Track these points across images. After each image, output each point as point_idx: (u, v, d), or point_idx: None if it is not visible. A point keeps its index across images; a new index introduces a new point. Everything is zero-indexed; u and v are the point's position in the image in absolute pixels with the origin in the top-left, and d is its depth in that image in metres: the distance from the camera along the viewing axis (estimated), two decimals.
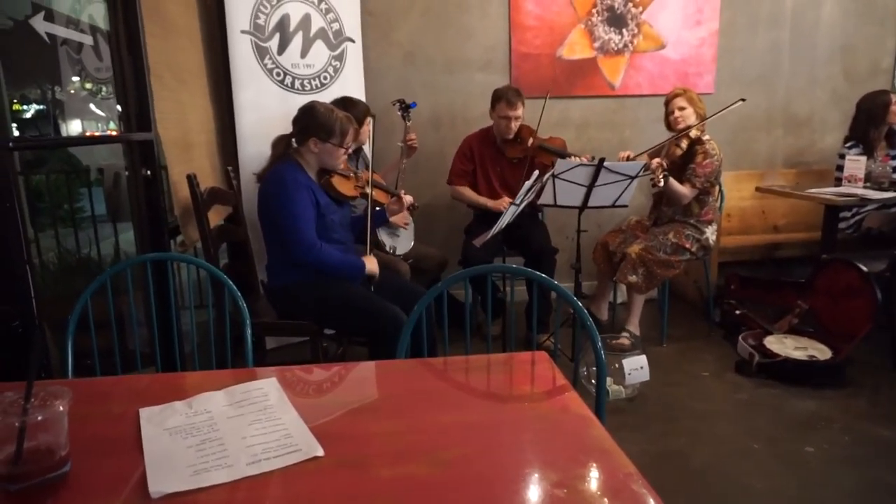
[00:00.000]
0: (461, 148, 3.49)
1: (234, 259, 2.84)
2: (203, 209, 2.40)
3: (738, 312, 3.43)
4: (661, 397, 2.80)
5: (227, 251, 2.89)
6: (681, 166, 3.20)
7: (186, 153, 2.60)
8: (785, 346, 3.03)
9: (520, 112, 3.26)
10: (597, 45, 3.92)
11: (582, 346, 2.92)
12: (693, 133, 3.15)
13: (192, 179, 2.38)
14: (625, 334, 3.20)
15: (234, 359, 1.82)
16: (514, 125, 3.28)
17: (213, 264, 2.13)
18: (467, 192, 3.42)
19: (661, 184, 3.01)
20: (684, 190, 3.14)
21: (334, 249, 2.37)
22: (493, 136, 3.42)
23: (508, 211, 2.83)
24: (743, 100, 3.17)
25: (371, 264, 2.46)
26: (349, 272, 2.41)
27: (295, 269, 2.40)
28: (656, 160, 3.07)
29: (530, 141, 3.31)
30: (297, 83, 3.18)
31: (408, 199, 2.75)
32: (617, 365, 2.77)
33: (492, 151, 3.44)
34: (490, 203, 3.33)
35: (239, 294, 1.70)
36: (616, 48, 3.94)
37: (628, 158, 3.14)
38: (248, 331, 1.64)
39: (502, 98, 3.25)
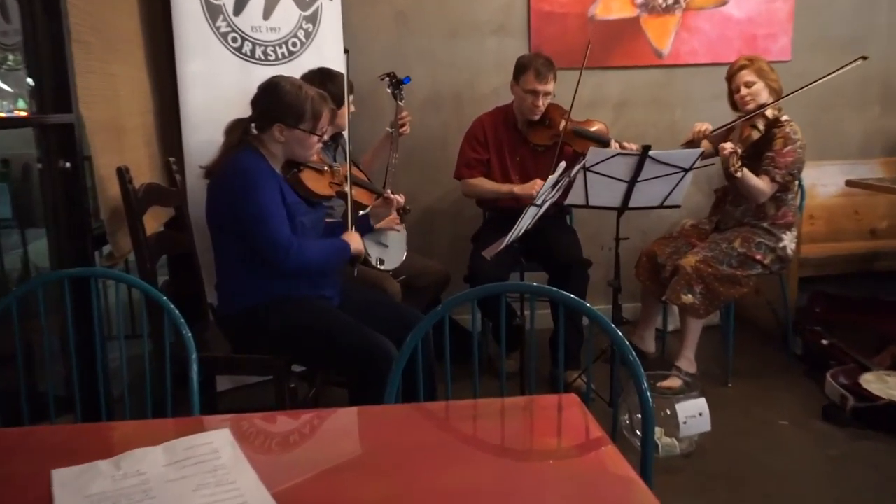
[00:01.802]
0: (471, 131, 3.49)
1: (177, 276, 2.84)
2: (137, 211, 2.40)
3: (825, 342, 3.42)
4: (725, 453, 2.78)
5: (167, 266, 2.89)
6: (753, 155, 3.20)
7: (117, 140, 2.61)
8: (888, 385, 3.01)
9: (551, 87, 3.27)
10: (640, 0, 3.94)
11: (622, 386, 2.91)
12: (769, 113, 3.15)
13: (123, 174, 2.39)
14: (678, 371, 3.19)
15: (175, 404, 1.81)
16: (543, 103, 3.28)
17: (149, 282, 2.12)
18: (484, 183, 3.41)
19: (739, 174, 2.99)
20: (762, 185, 3.13)
21: (312, 242, 2.41)
22: (513, 116, 3.43)
23: (528, 213, 2.83)
24: (864, 57, 3.10)
25: (355, 242, 2.53)
26: (336, 261, 2.49)
27: (254, 288, 2.40)
28: (729, 144, 3.06)
29: (562, 124, 3.31)
30: (258, 51, 3.20)
31: (397, 199, 2.75)
32: (668, 411, 2.76)
33: (511, 136, 3.44)
34: (517, 189, 3.30)
35: (182, 321, 1.69)
36: (664, 5, 3.96)
37: (703, 136, 3.16)
38: (195, 368, 1.64)
39: (529, 67, 3.25)
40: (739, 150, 3.07)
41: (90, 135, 2.40)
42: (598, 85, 3.98)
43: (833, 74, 3.18)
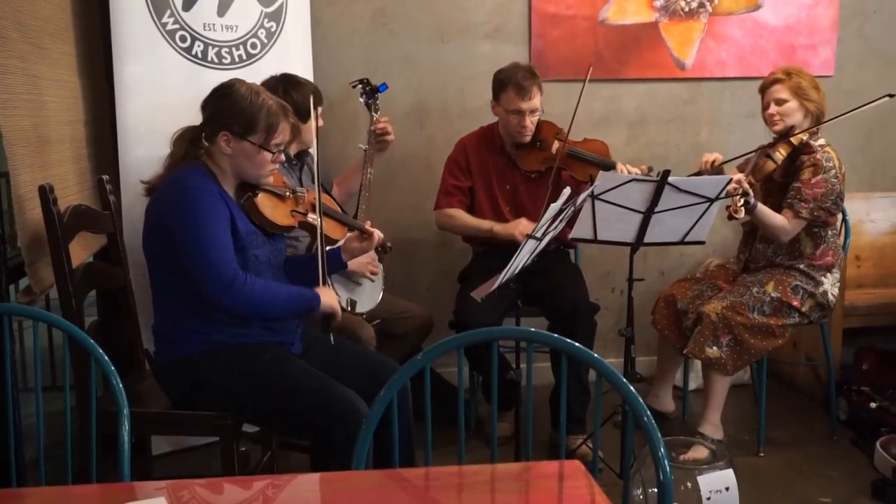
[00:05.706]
0: (452, 156, 3.53)
1: (108, 316, 2.82)
2: (62, 238, 2.40)
3: (874, 405, 3.42)
4: None
5: (97, 304, 2.87)
6: (782, 186, 3.23)
7: (41, 154, 2.61)
8: None
9: (537, 102, 3.31)
10: (659, 3, 4.00)
11: (635, 454, 2.90)
12: (796, 139, 3.17)
13: (47, 193, 2.38)
14: (701, 439, 3.18)
15: (101, 470, 1.80)
16: (531, 122, 3.33)
17: (74, 322, 2.10)
18: (461, 217, 3.44)
19: (739, 215, 2.99)
20: (782, 222, 3.15)
21: (266, 282, 2.38)
22: (500, 137, 3.47)
23: (525, 248, 2.83)
24: (891, 95, 3.15)
25: (328, 297, 2.47)
26: (296, 309, 2.45)
27: (198, 333, 2.39)
28: (737, 176, 3.06)
29: (555, 146, 3.34)
30: (211, 53, 3.22)
31: (377, 234, 2.73)
32: (689, 484, 2.75)
33: (498, 161, 3.47)
34: (498, 228, 3.34)
35: (113, 369, 1.68)
36: (687, 9, 4.01)
37: (713, 166, 3.15)
38: (126, 426, 1.63)
39: (509, 83, 3.28)
40: (748, 185, 3.03)
41: (8, 147, 2.39)
42: (610, 99, 4.03)
43: (856, 111, 3.20)
